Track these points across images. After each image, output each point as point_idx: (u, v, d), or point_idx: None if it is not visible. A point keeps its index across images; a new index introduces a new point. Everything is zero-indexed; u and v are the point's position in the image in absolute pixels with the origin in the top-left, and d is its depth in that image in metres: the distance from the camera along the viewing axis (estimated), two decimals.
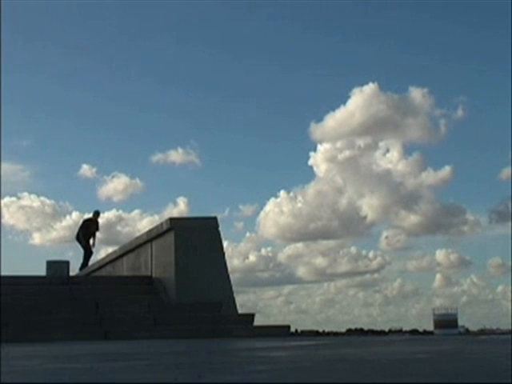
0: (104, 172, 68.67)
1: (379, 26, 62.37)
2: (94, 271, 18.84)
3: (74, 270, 18.57)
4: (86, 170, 59.02)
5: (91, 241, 18.16)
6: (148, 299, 13.04)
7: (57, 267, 15.50)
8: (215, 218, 13.31)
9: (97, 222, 18.29)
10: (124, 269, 16.35)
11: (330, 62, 64.98)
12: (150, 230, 14.45)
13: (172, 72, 65.15)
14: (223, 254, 13.08)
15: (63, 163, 67.38)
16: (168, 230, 13.23)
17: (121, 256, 16.64)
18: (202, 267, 12.77)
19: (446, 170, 59.39)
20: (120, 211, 59.15)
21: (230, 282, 12.84)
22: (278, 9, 62.25)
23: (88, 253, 18.32)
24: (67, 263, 16.08)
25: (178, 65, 64.49)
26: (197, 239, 12.98)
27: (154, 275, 14.03)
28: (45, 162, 67.19)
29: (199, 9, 61.71)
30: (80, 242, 18.20)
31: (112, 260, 17.41)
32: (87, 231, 18.05)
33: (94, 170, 59.68)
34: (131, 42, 64.34)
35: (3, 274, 14.66)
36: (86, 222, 18.32)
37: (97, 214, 18.58)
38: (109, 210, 65.06)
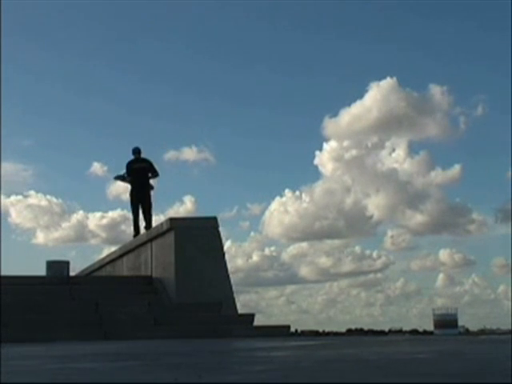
0: (116, 170, 67.89)
1: (401, 24, 61.96)
2: (94, 271, 18.84)
3: (74, 269, 18.58)
4: (97, 168, 58.74)
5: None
6: (148, 299, 13.04)
7: (57, 267, 15.50)
8: (215, 218, 13.32)
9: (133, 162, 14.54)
10: (124, 269, 16.35)
11: (348, 61, 64.59)
12: (150, 230, 14.45)
13: (186, 74, 65.11)
14: (223, 253, 13.08)
15: (72, 162, 67.13)
16: (168, 230, 13.24)
17: (121, 256, 16.64)
18: (202, 267, 12.77)
19: (455, 169, 58.99)
20: (125, 211, 59.01)
21: (230, 281, 12.85)
22: (293, 6, 61.99)
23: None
24: (67, 263, 16.08)
25: (192, 67, 64.51)
26: (197, 239, 12.98)
27: (153, 275, 14.03)
28: (52, 161, 67.11)
29: (215, 11, 61.59)
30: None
31: (112, 260, 17.42)
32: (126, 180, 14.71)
33: (106, 168, 59.35)
34: (140, 42, 64.32)
35: (4, 273, 14.66)
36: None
37: (132, 152, 14.58)
38: (114, 209, 64.84)
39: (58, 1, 59.48)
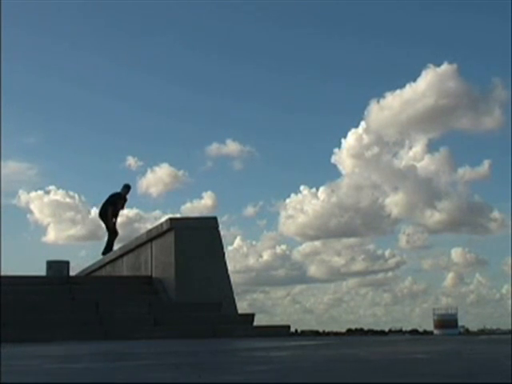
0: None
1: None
2: (94, 271, 18.84)
3: (73, 269, 18.58)
4: (131, 161, 58.35)
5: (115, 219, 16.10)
6: (148, 299, 13.04)
7: (57, 267, 15.51)
8: (215, 218, 13.33)
9: (125, 199, 16.04)
10: (124, 269, 16.35)
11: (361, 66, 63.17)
12: (150, 230, 14.46)
13: (201, 75, 64.69)
14: (223, 253, 13.09)
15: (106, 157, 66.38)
16: (168, 230, 13.24)
17: (121, 256, 16.64)
18: (202, 267, 12.78)
19: (484, 166, 57.70)
20: (139, 209, 58.79)
21: (230, 281, 12.86)
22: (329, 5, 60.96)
23: (114, 234, 16.55)
24: (67, 263, 16.10)
25: (207, 68, 64.11)
26: (197, 239, 12.99)
27: (153, 275, 14.04)
28: (58, 158, 66.47)
29: (248, 13, 61.12)
30: (104, 221, 16.29)
31: (112, 260, 17.42)
32: (115, 209, 15.99)
33: (141, 163, 58.88)
34: (141, 40, 63.84)
35: (7, 273, 14.68)
36: (115, 198, 15.91)
37: (127, 188, 16.08)
38: (131, 207, 64.65)
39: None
